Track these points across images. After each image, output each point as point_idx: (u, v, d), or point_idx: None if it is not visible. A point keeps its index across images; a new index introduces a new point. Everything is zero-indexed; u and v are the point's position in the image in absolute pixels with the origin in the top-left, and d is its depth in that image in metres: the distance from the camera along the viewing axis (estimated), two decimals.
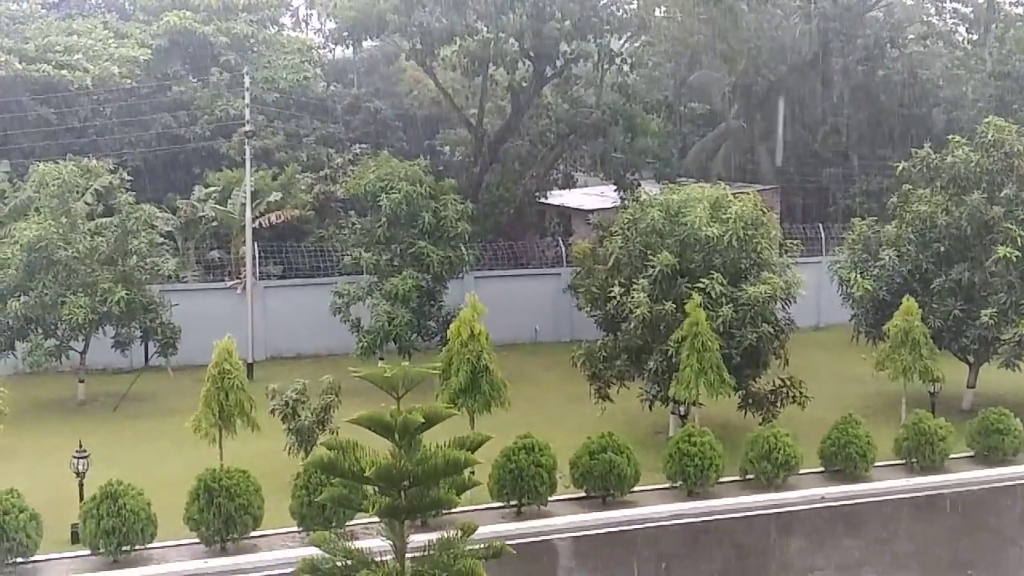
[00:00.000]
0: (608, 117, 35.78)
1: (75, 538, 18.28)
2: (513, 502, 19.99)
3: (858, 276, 26.65)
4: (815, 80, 43.80)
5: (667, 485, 21.19)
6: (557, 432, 22.20)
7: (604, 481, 20.33)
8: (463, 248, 30.20)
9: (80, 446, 19.07)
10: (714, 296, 22.51)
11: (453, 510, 17.49)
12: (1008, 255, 24.65)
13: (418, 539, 11.28)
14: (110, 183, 31.64)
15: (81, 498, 18.46)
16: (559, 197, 41.43)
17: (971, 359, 26.78)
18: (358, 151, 38.38)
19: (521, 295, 34.31)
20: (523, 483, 19.71)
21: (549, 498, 20.10)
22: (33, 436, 23.27)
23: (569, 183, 42.84)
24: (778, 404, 23.67)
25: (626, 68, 35.93)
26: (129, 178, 32.56)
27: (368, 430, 11.25)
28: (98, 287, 26.86)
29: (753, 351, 23.21)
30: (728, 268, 23.32)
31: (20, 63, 35.75)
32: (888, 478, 22.15)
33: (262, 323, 31.83)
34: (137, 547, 17.83)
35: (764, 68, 43.18)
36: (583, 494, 20.68)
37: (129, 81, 37.96)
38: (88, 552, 17.86)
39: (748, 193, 25.31)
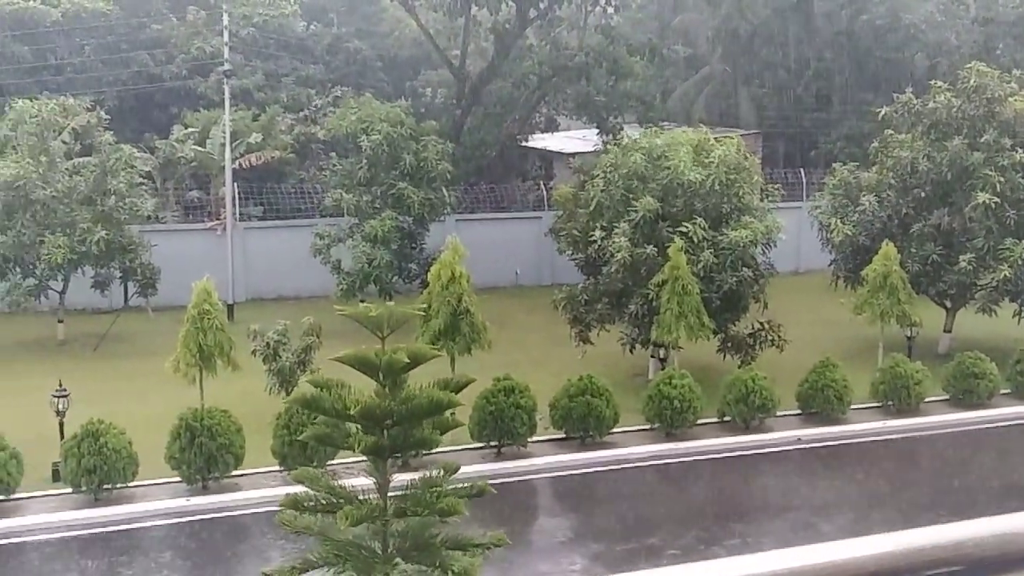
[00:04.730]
0: (591, 59, 35.55)
1: (56, 476, 18.35)
2: (493, 443, 20.17)
3: (838, 221, 26.74)
4: (798, 24, 43.56)
5: (646, 427, 21.41)
6: (538, 374, 22.33)
7: (583, 423, 20.51)
8: (444, 190, 30.11)
9: (60, 385, 19.06)
10: (695, 240, 22.57)
11: (436, 450, 17.72)
12: (987, 201, 24.77)
13: (400, 479, 11.36)
14: (88, 122, 31.29)
15: (62, 437, 18.48)
16: (541, 140, 41.28)
17: (948, 304, 27.03)
18: (339, 92, 38.05)
19: (502, 238, 34.30)
20: (503, 424, 19.87)
21: (529, 439, 20.29)
22: (12, 375, 23.23)
23: (551, 127, 42.66)
24: (757, 347, 23.86)
25: (610, 10, 35.72)
26: (107, 117, 32.17)
27: (352, 369, 11.27)
28: (77, 227, 26.69)
29: (733, 295, 23.35)
30: (710, 212, 23.35)
31: None
32: (864, 420, 22.43)
33: (242, 264, 31.74)
34: (119, 485, 17.92)
35: (748, 11, 42.89)
36: (562, 435, 20.87)
37: (105, 14, 37.37)
38: (70, 490, 17.93)
39: (731, 137, 25.28)
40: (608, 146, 29.08)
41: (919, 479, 20.47)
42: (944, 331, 27.14)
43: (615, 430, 20.99)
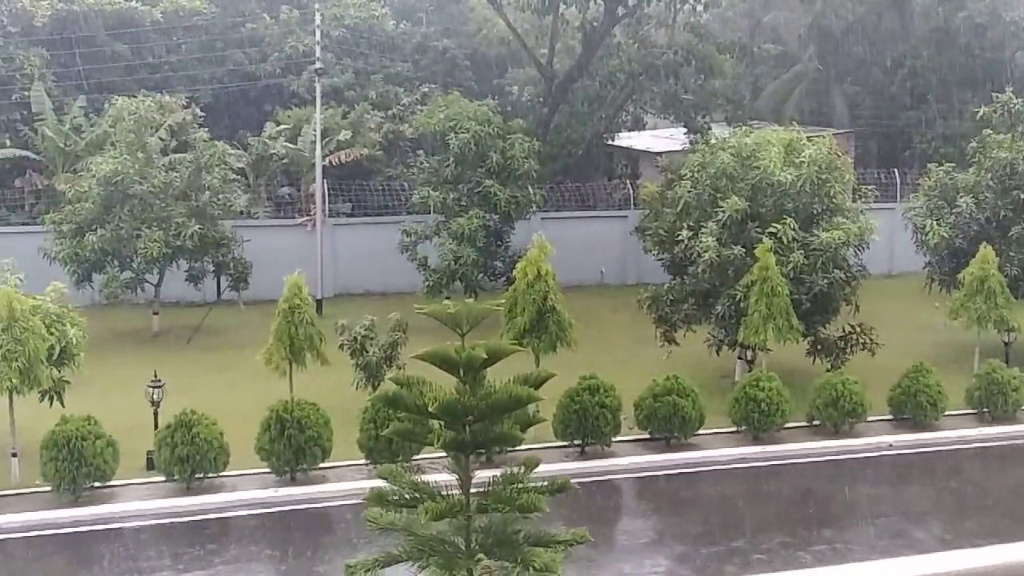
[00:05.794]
0: (680, 57, 35.25)
1: (150, 464, 18.84)
2: (577, 442, 20.14)
3: (934, 223, 26.13)
4: (894, 21, 42.60)
5: (732, 429, 21.16)
6: (622, 374, 22.22)
7: (668, 423, 20.35)
8: (530, 188, 30.17)
9: (155, 376, 19.56)
10: (785, 241, 22.23)
11: (517, 447, 17.73)
12: None
13: (483, 475, 11.42)
14: (183, 119, 32.06)
15: (156, 426, 18.97)
16: (627, 139, 41.07)
17: None
18: (427, 90, 38.34)
19: (588, 237, 34.21)
20: (587, 423, 19.82)
21: (613, 439, 20.21)
22: (109, 366, 23.89)
23: (638, 125, 42.40)
24: (847, 351, 23.41)
25: (700, 8, 35.34)
26: (202, 114, 32.93)
27: (435, 366, 11.37)
28: (172, 221, 27.37)
29: (823, 297, 22.95)
30: (800, 213, 23.00)
31: None
32: (958, 427, 21.86)
33: (331, 260, 32.21)
34: (210, 475, 18.33)
35: (842, 8, 42.09)
36: (647, 436, 20.74)
37: (201, 14, 38.23)
38: (163, 478, 18.39)
39: (822, 137, 24.84)
40: (696, 145, 28.83)
41: (1014, 489, 19.84)
42: None
43: (701, 432, 20.79)
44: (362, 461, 19.13)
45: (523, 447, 17.98)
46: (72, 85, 35.28)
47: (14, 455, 18.53)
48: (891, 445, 21.10)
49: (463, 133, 28.77)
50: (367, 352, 20.94)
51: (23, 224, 31.98)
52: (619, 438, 20.41)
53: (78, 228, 27.36)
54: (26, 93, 33.52)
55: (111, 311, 28.12)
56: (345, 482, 18.75)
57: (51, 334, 18.57)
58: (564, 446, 20.18)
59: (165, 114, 31.99)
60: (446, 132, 29.12)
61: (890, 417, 22.04)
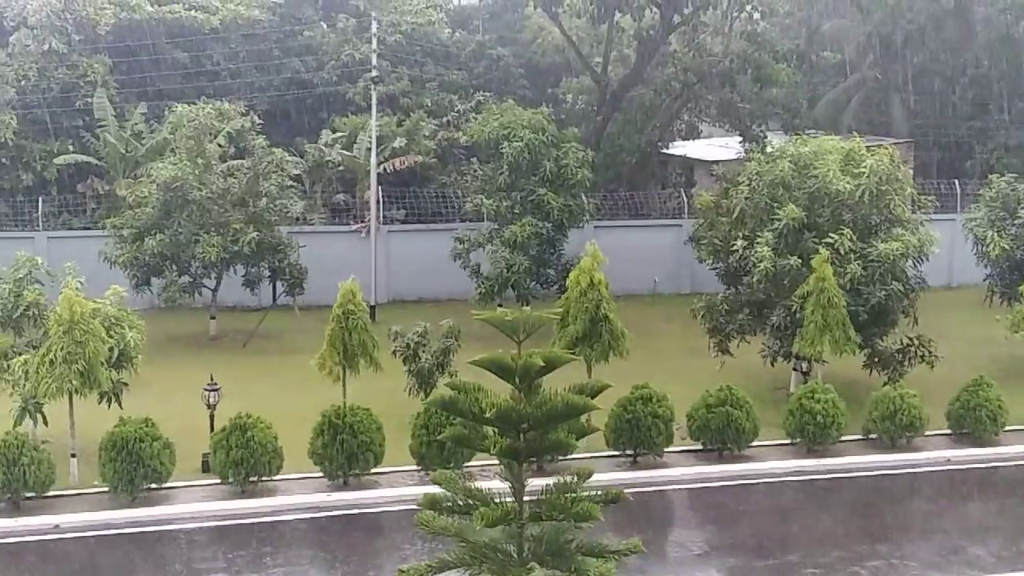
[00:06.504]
0: (736, 66, 35.01)
1: (205, 467, 19.06)
2: (629, 451, 20.04)
3: (995, 235, 25.70)
4: (955, 29, 41.92)
5: (786, 441, 20.92)
6: (675, 384, 22.08)
7: (721, 434, 20.17)
8: (583, 197, 30.12)
9: (211, 379, 19.78)
10: (842, 252, 21.97)
11: (569, 456, 17.71)
12: None
13: (535, 483, 11.40)
14: (242, 126, 32.44)
15: (212, 429, 19.19)
16: (682, 148, 40.84)
17: None
18: (481, 98, 38.44)
19: (641, 246, 34.04)
20: (639, 433, 19.72)
21: (665, 449, 20.09)
22: (167, 368, 24.21)
23: (692, 133, 42.14)
24: (906, 364, 23.04)
25: (756, 15, 35.04)
26: (259, 121, 33.30)
27: (489, 373, 11.37)
28: (230, 227, 27.69)
29: (881, 309, 22.63)
30: (858, 224, 22.71)
31: (152, 5, 36.76)
32: (1019, 443, 21.40)
33: (385, 266, 32.41)
34: (264, 478, 18.49)
35: (902, 18, 41.54)
36: (699, 447, 20.58)
37: (259, 22, 38.68)
38: (218, 481, 18.59)
39: (882, 146, 24.53)
40: (752, 154, 28.59)
41: None
42: None
43: (754, 443, 20.58)
44: (414, 467, 19.19)
45: (574, 456, 18.05)
46: (133, 92, 35.86)
47: (73, 456, 18.84)
48: (949, 460, 20.73)
49: (517, 141, 28.80)
50: (419, 358, 21.01)
51: (85, 228, 32.56)
52: (671, 448, 20.28)
53: (138, 233, 27.79)
54: (89, 100, 34.13)
55: (169, 315, 28.51)
56: (397, 488, 18.83)
57: (110, 337, 18.86)
58: (616, 455, 20.10)
59: (224, 121, 32.39)
60: (500, 140, 29.17)
61: (949, 432, 21.67)
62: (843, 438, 20.82)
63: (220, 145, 30.68)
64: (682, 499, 19.46)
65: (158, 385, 22.69)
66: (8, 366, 18.87)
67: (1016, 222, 25.74)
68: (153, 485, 18.22)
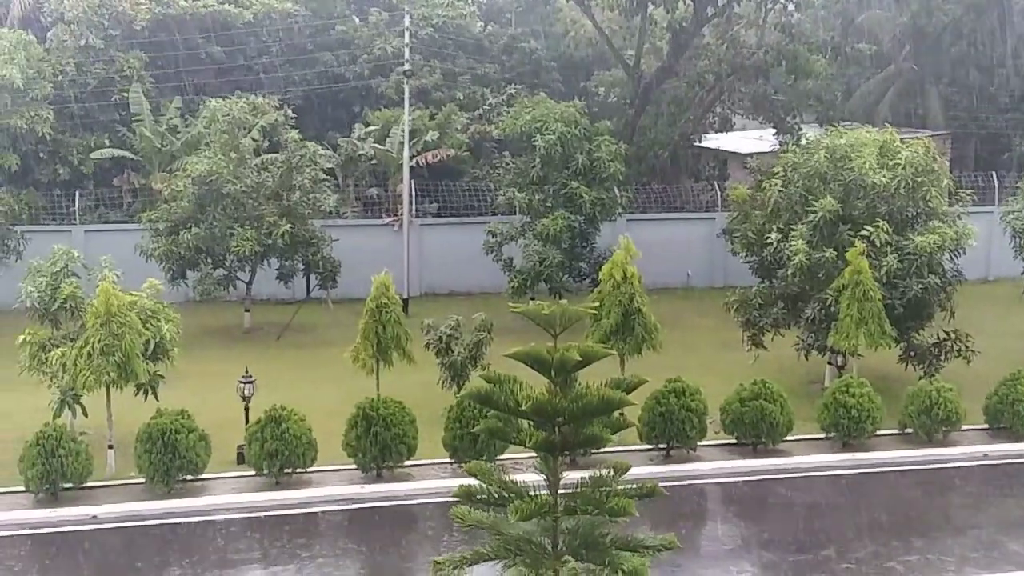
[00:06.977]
0: (770, 58, 34.70)
1: (240, 459, 19.20)
2: (662, 445, 19.99)
3: None
4: (992, 20, 41.39)
5: (821, 436, 20.80)
6: (708, 377, 21.98)
7: (755, 428, 20.08)
8: (616, 190, 30.03)
9: (246, 372, 19.92)
10: (878, 245, 21.78)
11: (603, 450, 17.67)
12: None
13: (569, 477, 11.39)
14: (275, 120, 32.59)
15: (247, 421, 19.31)
16: (715, 140, 40.60)
17: None
18: (513, 91, 38.38)
19: (674, 239, 33.92)
20: (673, 426, 19.66)
21: (698, 443, 20.02)
22: (202, 361, 24.38)
23: (726, 126, 41.87)
24: (942, 358, 22.82)
25: (791, 7, 34.75)
26: (293, 115, 33.45)
27: (524, 365, 11.37)
28: (264, 221, 27.85)
29: (917, 302, 22.42)
30: (894, 216, 22.50)
31: (186, 0, 36.99)
32: None
33: (417, 260, 32.47)
34: (298, 470, 18.61)
35: (938, 9, 41.06)
36: (733, 440, 20.50)
37: (292, 15, 38.82)
38: (252, 473, 18.73)
39: (918, 138, 24.28)
40: (787, 146, 28.38)
41: None
42: None
43: (788, 438, 20.47)
44: (447, 460, 19.24)
45: (608, 449, 17.99)
46: (168, 87, 36.12)
47: (110, 447, 19.05)
48: (986, 455, 20.53)
49: (549, 134, 28.75)
50: (452, 351, 21.06)
51: (121, 222, 32.85)
52: (705, 442, 20.20)
53: (173, 226, 28.01)
54: (125, 95, 34.41)
55: (204, 308, 28.71)
56: (429, 480, 18.89)
57: (147, 329, 19.04)
58: (649, 449, 20.05)
59: (257, 115, 32.54)
60: (532, 133, 29.12)
61: (986, 426, 21.45)
62: (878, 433, 20.66)
63: (254, 139, 30.84)
64: (715, 493, 19.38)
65: (193, 377, 22.86)
66: (46, 359, 19.08)
67: None
68: (189, 476, 18.38)
